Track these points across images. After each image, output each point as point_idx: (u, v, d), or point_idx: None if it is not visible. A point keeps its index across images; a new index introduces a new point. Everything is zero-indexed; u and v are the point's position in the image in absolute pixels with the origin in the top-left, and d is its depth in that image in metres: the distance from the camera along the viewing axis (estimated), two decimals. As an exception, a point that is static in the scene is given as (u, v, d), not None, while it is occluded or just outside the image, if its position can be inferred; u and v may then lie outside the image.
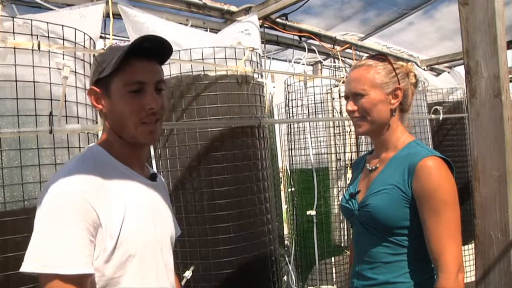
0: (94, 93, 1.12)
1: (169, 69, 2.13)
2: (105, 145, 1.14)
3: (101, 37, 2.09)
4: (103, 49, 1.80)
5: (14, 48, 1.54)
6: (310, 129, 3.52)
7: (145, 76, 1.09)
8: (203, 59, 2.11)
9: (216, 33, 2.67)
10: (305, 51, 3.57)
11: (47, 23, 1.64)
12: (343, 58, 3.98)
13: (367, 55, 1.63)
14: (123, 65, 1.06)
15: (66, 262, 0.92)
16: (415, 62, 4.79)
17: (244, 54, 2.20)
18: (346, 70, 3.94)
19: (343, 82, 3.36)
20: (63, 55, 1.67)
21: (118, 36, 2.86)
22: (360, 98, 1.43)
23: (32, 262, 0.92)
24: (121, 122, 1.10)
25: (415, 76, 1.52)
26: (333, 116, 3.64)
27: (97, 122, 1.82)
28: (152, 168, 2.11)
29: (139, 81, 1.08)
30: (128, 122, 1.08)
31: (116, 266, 1.01)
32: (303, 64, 3.55)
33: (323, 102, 3.61)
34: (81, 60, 1.76)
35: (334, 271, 3.65)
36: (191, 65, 2.10)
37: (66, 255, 0.92)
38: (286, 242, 4.55)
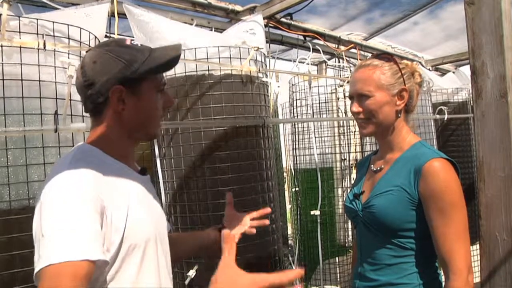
0: (120, 92, 1.09)
1: (174, 69, 2.13)
2: (98, 143, 1.12)
3: (106, 36, 2.09)
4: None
5: (20, 47, 1.55)
6: (314, 129, 3.52)
7: (164, 80, 1.21)
8: (207, 58, 2.11)
9: (221, 32, 2.67)
10: (309, 50, 3.57)
11: (53, 22, 1.65)
12: (347, 58, 3.97)
13: (372, 54, 1.62)
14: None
15: (88, 249, 0.89)
16: (420, 62, 4.77)
17: (248, 54, 2.20)
18: (350, 70, 3.93)
19: (347, 82, 3.35)
20: (69, 54, 1.67)
21: (123, 35, 2.87)
22: (365, 99, 1.42)
23: (54, 254, 0.86)
24: (149, 120, 1.15)
25: (420, 75, 1.50)
26: (338, 116, 3.64)
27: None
28: (156, 166, 2.12)
29: (164, 83, 1.19)
30: (156, 118, 1.17)
31: (121, 260, 1.01)
32: (308, 64, 3.55)
33: (328, 102, 3.61)
34: (86, 59, 1.77)
35: (338, 271, 3.65)
36: (196, 65, 2.10)
37: (87, 242, 0.90)
38: (290, 242, 4.55)
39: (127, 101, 1.11)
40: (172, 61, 1.14)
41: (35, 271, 0.87)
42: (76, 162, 1.02)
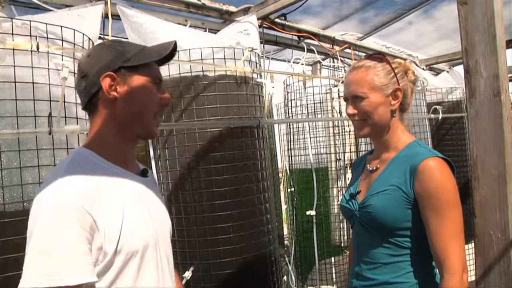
0: (112, 79, 1.09)
1: (168, 70, 2.12)
2: (95, 147, 1.12)
3: (100, 37, 2.08)
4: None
5: (13, 49, 1.54)
6: (309, 129, 3.52)
7: (161, 74, 1.20)
8: (202, 59, 2.11)
9: (215, 33, 2.66)
10: (304, 51, 3.57)
11: (46, 24, 1.64)
12: (342, 58, 3.98)
13: (365, 54, 1.63)
14: (148, 61, 1.14)
15: (69, 273, 0.90)
16: (414, 62, 4.79)
17: (243, 54, 2.20)
18: (345, 70, 3.94)
19: (342, 82, 3.36)
20: (62, 56, 1.66)
21: (117, 36, 2.86)
22: (360, 101, 1.42)
23: (33, 277, 0.89)
24: (140, 111, 1.12)
25: (413, 73, 1.51)
26: (333, 116, 3.64)
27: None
28: (151, 168, 2.12)
29: (160, 78, 1.18)
30: (149, 111, 1.14)
31: (119, 268, 1.01)
32: (302, 64, 3.55)
33: (322, 102, 3.61)
34: (80, 60, 1.76)
35: (334, 271, 3.65)
36: (190, 66, 2.09)
37: (68, 266, 0.90)
38: (285, 242, 4.55)
39: (120, 90, 1.10)
40: (165, 49, 1.15)
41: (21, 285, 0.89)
42: (72, 170, 1.02)
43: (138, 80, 1.12)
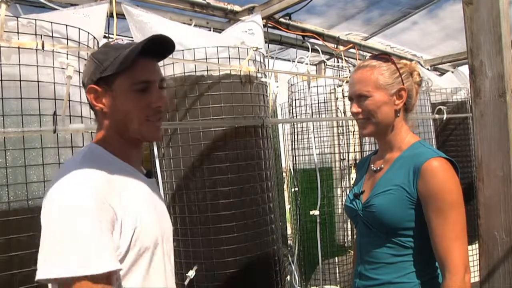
0: (94, 92, 1.09)
1: (173, 69, 2.13)
2: (104, 144, 1.13)
3: (105, 36, 2.09)
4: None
5: (18, 48, 1.55)
6: (313, 129, 3.52)
7: (151, 75, 1.11)
8: (206, 58, 2.11)
9: (220, 32, 2.67)
10: (308, 50, 3.57)
11: (51, 22, 1.64)
12: (346, 58, 3.97)
13: (371, 55, 1.63)
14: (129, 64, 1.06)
15: (94, 262, 0.89)
16: (419, 62, 4.77)
17: (247, 54, 2.20)
18: (349, 70, 3.93)
19: (346, 82, 3.35)
20: (67, 54, 1.67)
21: (122, 35, 2.86)
22: (364, 99, 1.42)
23: (54, 268, 0.87)
24: (126, 121, 1.09)
25: (419, 74, 1.51)
26: (337, 116, 3.64)
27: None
28: (155, 166, 2.12)
29: (146, 80, 1.09)
30: (134, 120, 1.09)
31: (130, 263, 1.01)
32: (307, 64, 3.55)
33: (327, 102, 3.61)
34: (85, 59, 1.77)
35: (337, 271, 3.65)
36: (195, 65, 2.10)
37: (92, 255, 0.89)
38: (289, 242, 4.55)
39: (105, 100, 1.10)
40: (129, 56, 1.05)
41: (44, 276, 0.88)
42: (85, 164, 1.02)
43: (117, 88, 1.08)
